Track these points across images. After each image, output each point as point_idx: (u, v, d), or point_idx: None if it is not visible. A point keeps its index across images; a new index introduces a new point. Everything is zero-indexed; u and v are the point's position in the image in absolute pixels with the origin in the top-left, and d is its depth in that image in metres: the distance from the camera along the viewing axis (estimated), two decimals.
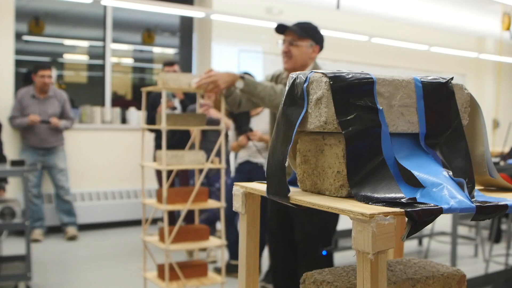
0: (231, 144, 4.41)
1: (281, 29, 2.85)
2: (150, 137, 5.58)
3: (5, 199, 4.00)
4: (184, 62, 7.32)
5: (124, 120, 6.67)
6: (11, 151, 5.68)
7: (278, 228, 2.99)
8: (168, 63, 5.26)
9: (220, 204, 3.20)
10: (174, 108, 5.09)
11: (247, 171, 4.26)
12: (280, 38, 2.91)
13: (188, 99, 5.20)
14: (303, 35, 2.82)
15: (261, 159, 4.22)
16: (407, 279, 1.21)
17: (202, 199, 3.21)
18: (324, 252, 2.94)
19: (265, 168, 4.40)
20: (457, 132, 1.18)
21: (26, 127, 5.48)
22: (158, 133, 5.32)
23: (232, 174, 4.75)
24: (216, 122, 4.37)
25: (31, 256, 3.79)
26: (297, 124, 1.14)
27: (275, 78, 3.02)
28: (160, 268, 3.16)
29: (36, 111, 5.52)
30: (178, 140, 4.82)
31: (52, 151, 5.64)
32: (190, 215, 4.39)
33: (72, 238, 5.59)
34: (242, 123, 4.25)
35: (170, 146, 4.40)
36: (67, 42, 7.26)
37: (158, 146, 5.30)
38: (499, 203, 1.06)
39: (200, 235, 3.22)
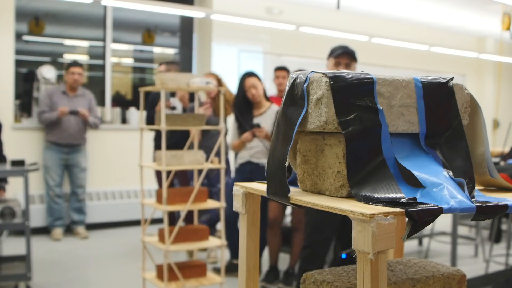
0: (232, 143, 4.28)
1: (342, 52, 3.06)
2: (150, 137, 5.57)
3: (5, 199, 4.00)
4: (184, 62, 7.32)
5: (124, 120, 6.67)
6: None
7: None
8: (164, 63, 5.26)
9: (220, 204, 3.19)
10: (173, 108, 5.08)
11: (248, 172, 4.16)
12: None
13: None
14: (355, 58, 3.08)
15: (263, 160, 4.11)
16: (407, 279, 1.21)
17: (202, 199, 3.20)
18: (343, 256, 3.02)
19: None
20: (457, 132, 1.18)
21: (55, 121, 5.52)
22: (157, 133, 5.31)
23: (232, 174, 4.71)
24: (216, 121, 4.35)
25: (31, 256, 3.79)
26: (297, 124, 1.14)
27: None
28: (159, 269, 3.16)
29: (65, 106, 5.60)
30: (177, 140, 4.81)
31: (77, 149, 5.71)
32: (189, 215, 4.38)
33: (84, 238, 5.64)
34: (246, 122, 4.13)
35: (168, 146, 4.39)
36: (67, 42, 7.25)
37: (157, 146, 5.29)
38: (499, 203, 1.06)
39: (199, 235, 3.21)
